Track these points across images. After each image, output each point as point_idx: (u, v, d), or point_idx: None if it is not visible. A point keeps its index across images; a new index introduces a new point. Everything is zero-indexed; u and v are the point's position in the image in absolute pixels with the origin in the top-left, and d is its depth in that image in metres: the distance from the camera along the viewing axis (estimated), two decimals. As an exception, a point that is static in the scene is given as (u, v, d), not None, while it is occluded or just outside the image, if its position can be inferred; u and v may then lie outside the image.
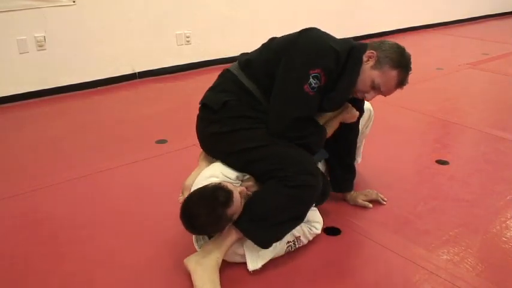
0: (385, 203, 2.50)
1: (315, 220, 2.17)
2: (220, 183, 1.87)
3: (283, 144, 1.97)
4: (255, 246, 1.95)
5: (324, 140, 2.11)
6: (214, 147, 2.11)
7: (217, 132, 2.03)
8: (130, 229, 2.29)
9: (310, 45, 1.96)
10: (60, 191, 2.65)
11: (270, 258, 2.00)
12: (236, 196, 1.84)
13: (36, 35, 4.03)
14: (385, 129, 3.52)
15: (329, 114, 2.16)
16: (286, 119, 1.94)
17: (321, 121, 2.14)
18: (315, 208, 2.21)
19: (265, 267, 2.01)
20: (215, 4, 5.00)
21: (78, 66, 4.32)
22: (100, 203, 2.53)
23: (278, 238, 1.97)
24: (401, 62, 1.97)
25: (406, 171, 2.91)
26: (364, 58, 2.00)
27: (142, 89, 4.51)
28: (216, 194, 1.80)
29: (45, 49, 4.09)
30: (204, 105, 2.11)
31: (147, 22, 4.62)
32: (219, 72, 2.20)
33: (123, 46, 4.54)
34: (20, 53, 3.99)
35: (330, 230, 2.29)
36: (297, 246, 2.11)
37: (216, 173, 2.01)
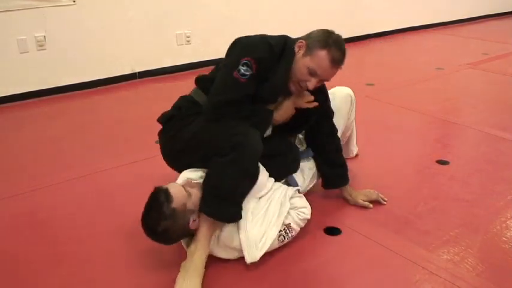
0: (385, 203, 2.49)
1: (302, 205, 2.17)
2: (155, 187, 1.92)
3: (214, 124, 2.03)
4: (250, 238, 1.96)
5: (268, 122, 2.13)
6: (171, 154, 2.22)
7: (167, 138, 2.19)
8: (130, 229, 2.28)
9: (243, 42, 2.08)
10: (59, 191, 2.65)
11: (266, 248, 1.99)
12: (174, 188, 1.90)
13: (36, 34, 4.02)
14: (385, 129, 3.52)
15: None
16: (216, 103, 2.02)
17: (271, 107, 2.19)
18: (300, 194, 2.23)
19: (262, 267, 2.01)
20: (215, 4, 5.00)
21: (78, 66, 4.32)
22: (100, 203, 2.53)
23: (238, 207, 1.98)
24: (328, 42, 2.02)
25: (407, 171, 2.91)
26: (296, 48, 2.07)
27: (142, 89, 4.50)
28: (155, 197, 1.88)
29: (45, 49, 4.09)
30: (158, 122, 2.25)
31: (147, 22, 4.62)
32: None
33: (123, 46, 4.53)
34: (20, 53, 3.98)
35: (330, 230, 2.29)
36: (290, 235, 2.10)
37: (181, 180, 2.09)
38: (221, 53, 5.24)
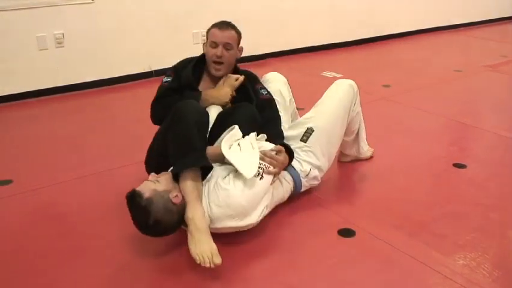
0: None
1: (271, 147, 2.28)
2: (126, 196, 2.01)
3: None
4: (239, 159, 2.06)
5: (196, 98, 2.39)
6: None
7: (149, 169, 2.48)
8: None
9: None
10: (74, 187, 2.66)
11: (257, 167, 2.08)
12: (139, 186, 2.00)
13: (55, 32, 4.05)
14: (402, 131, 3.49)
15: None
16: (152, 104, 2.55)
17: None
18: (267, 143, 2.32)
19: (273, 265, 2.00)
20: (231, 4, 4.99)
21: (95, 63, 4.34)
22: (114, 200, 2.52)
23: (199, 151, 2.11)
24: (213, 24, 2.51)
25: (423, 174, 2.87)
26: (203, 48, 2.56)
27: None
28: (129, 202, 1.97)
29: (63, 46, 4.11)
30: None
31: (164, 20, 4.62)
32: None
33: (140, 44, 4.54)
34: (39, 50, 4.02)
35: (344, 232, 2.27)
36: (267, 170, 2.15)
37: None
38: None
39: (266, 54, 5.44)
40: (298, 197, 2.49)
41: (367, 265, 2.06)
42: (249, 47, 5.36)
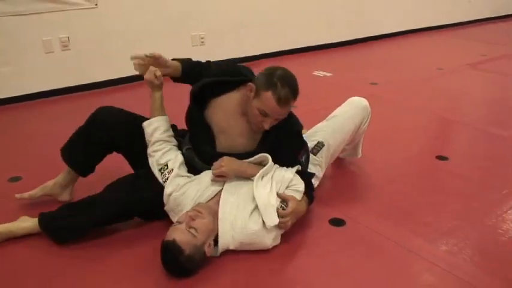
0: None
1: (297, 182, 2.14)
2: (163, 241, 1.88)
3: None
4: (267, 204, 1.96)
5: None
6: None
7: None
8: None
9: None
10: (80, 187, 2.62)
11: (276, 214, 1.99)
12: (179, 236, 1.84)
13: (60, 36, 4.04)
14: (388, 126, 3.51)
15: None
16: None
17: None
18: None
19: (266, 255, 2.02)
20: (227, 4, 4.98)
21: (99, 65, 4.33)
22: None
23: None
24: (270, 82, 1.93)
25: (408, 167, 2.90)
26: (248, 93, 2.01)
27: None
28: (167, 252, 1.84)
29: (69, 49, 4.11)
30: None
31: (164, 24, 4.61)
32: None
33: (142, 47, 4.50)
34: (45, 53, 4.01)
35: (335, 221, 2.29)
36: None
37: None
38: (234, 54, 5.13)
39: (259, 55, 5.45)
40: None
41: (355, 253, 2.08)
42: (242, 48, 5.41)
